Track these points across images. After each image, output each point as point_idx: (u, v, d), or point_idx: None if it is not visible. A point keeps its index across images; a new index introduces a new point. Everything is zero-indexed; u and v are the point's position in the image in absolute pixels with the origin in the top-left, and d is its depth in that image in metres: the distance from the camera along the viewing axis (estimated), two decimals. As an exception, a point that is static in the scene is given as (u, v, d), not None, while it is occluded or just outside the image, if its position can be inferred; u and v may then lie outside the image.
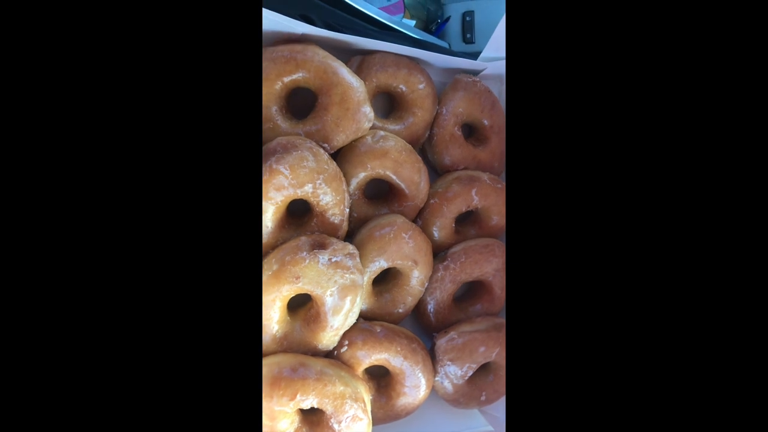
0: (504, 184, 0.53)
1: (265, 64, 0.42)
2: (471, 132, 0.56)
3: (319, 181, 0.41)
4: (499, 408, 0.52)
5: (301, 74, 0.43)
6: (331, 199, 0.43)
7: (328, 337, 0.44)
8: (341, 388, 0.41)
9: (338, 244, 0.42)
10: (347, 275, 0.42)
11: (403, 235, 0.46)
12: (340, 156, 0.47)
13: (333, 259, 0.41)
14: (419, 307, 0.51)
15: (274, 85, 0.42)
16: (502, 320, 0.51)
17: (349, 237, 0.48)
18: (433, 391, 0.50)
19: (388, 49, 0.49)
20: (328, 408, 0.41)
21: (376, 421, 0.47)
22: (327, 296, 0.42)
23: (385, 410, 0.47)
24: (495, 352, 0.48)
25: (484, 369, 0.51)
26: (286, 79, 0.42)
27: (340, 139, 0.44)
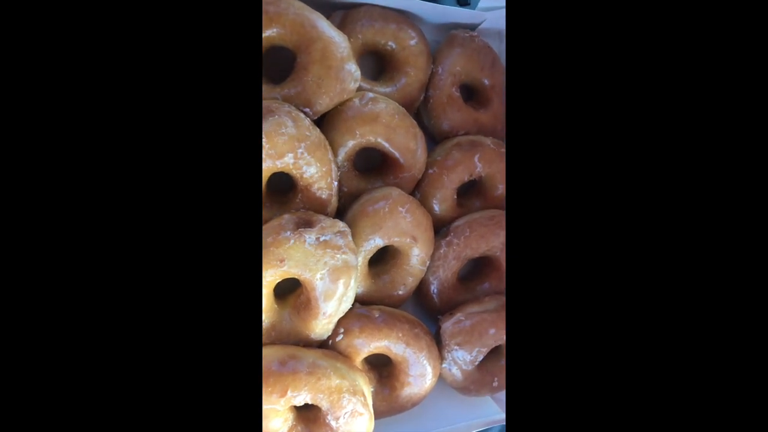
0: (509, 149, 0.48)
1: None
2: (470, 94, 0.51)
3: (300, 150, 0.36)
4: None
5: (275, 30, 0.37)
6: (316, 171, 0.38)
7: (321, 326, 0.39)
8: (337, 381, 0.37)
9: (327, 222, 0.37)
10: (338, 255, 0.37)
11: (400, 209, 0.41)
12: (324, 123, 0.42)
13: (321, 238, 0.37)
14: (421, 289, 0.47)
15: (245, 44, 0.37)
16: (513, 299, 0.47)
17: (340, 215, 0.43)
18: (441, 380, 0.46)
19: (374, 1, 0.43)
20: (323, 404, 0.37)
21: (379, 414, 0.43)
22: (317, 280, 0.37)
23: (388, 402, 0.43)
24: (506, 333, 0.44)
25: (495, 352, 0.46)
26: (259, 37, 0.37)
27: (324, 103, 0.39)
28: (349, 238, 0.38)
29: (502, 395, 0.48)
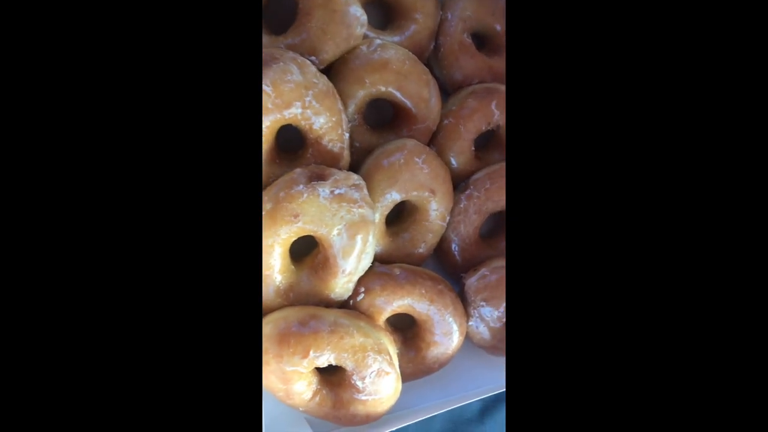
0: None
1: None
2: (482, 42, 0.48)
3: (308, 98, 0.34)
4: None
5: (273, -25, 0.35)
6: (326, 121, 0.36)
7: (341, 284, 0.38)
8: (361, 339, 0.35)
9: (340, 174, 0.36)
10: (355, 210, 0.35)
11: (416, 159, 0.39)
12: (332, 74, 0.40)
13: (336, 192, 0.35)
14: (442, 246, 0.45)
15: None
16: (539, 252, 0.44)
17: (353, 170, 0.41)
18: (468, 342, 0.44)
19: (376, -55, 0.41)
20: (348, 363, 0.35)
21: (405, 377, 0.41)
22: (334, 236, 0.35)
23: (414, 364, 0.41)
24: (534, 287, 0.42)
25: (522, 309, 0.44)
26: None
27: (330, 50, 0.37)
28: (365, 191, 0.36)
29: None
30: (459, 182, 0.45)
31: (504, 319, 0.42)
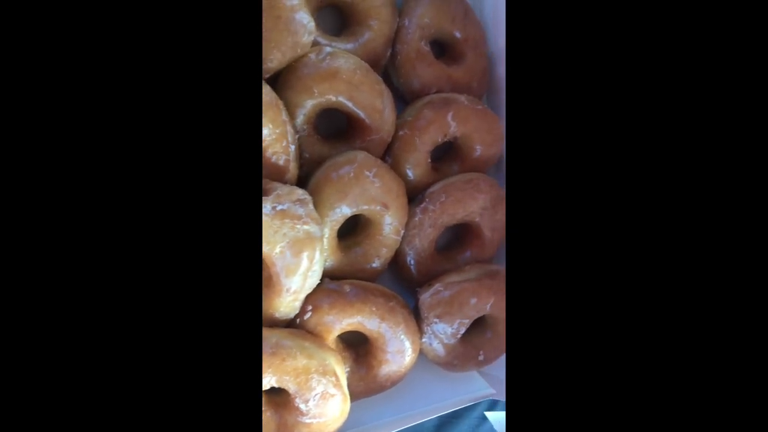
0: (485, 106, 0.45)
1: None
2: (442, 50, 0.47)
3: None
4: (501, 368, 0.45)
5: (215, -22, 0.33)
6: (269, 133, 0.34)
7: (286, 303, 0.36)
8: (304, 361, 0.34)
9: (283, 189, 0.34)
10: (299, 226, 0.34)
11: (366, 173, 0.38)
12: (279, 83, 0.38)
13: (278, 208, 0.33)
14: (397, 260, 0.44)
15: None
16: (497, 267, 0.44)
17: (301, 184, 0.40)
18: (423, 356, 0.43)
19: (328, -52, 0.40)
20: (290, 386, 0.34)
21: (357, 395, 0.40)
22: (276, 254, 0.34)
23: (366, 382, 0.40)
24: (489, 303, 0.41)
25: (479, 324, 0.44)
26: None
27: (275, 59, 0.35)
28: (311, 206, 0.35)
29: (488, 369, 0.46)
30: (416, 194, 0.44)
31: (458, 335, 0.41)
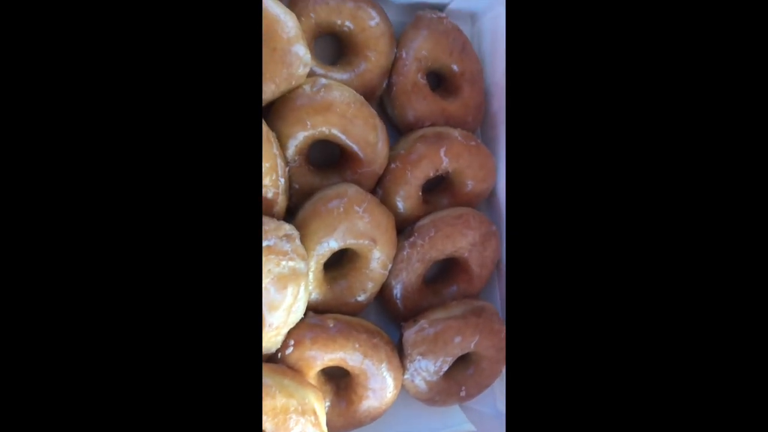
0: (479, 141, 0.44)
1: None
2: (438, 82, 0.47)
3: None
4: (482, 402, 0.45)
5: (211, 6, 0.33)
6: (259, 167, 0.34)
7: (268, 338, 0.35)
8: (283, 400, 0.33)
9: (271, 224, 0.34)
10: (284, 262, 0.33)
11: (356, 208, 0.37)
12: (272, 113, 0.37)
13: (264, 243, 0.33)
14: (384, 293, 0.43)
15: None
16: (482, 303, 0.43)
17: (291, 215, 0.39)
18: (404, 390, 0.42)
19: (329, -23, 0.39)
20: (267, 426, 0.33)
21: (335, 429, 0.40)
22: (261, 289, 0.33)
23: (345, 417, 0.40)
24: (473, 341, 0.41)
25: (462, 360, 0.43)
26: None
27: (269, 90, 0.35)
28: (297, 242, 0.34)
29: (470, 404, 0.46)
30: (405, 226, 0.43)
31: (441, 372, 0.41)
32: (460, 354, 0.41)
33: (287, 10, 0.34)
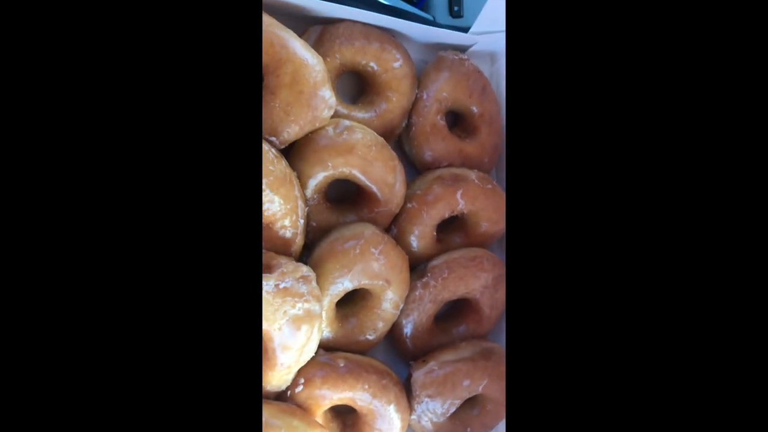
0: (495, 184, 0.45)
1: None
2: (456, 121, 0.47)
3: (262, 186, 0.32)
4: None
5: (240, 48, 0.33)
6: (279, 209, 0.34)
7: (279, 377, 0.35)
8: (292, 442, 0.33)
9: (288, 266, 0.34)
10: (300, 304, 0.33)
11: (372, 250, 0.37)
12: (293, 152, 0.38)
13: (281, 285, 0.33)
14: (394, 331, 0.43)
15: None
16: (492, 345, 0.43)
17: (307, 250, 0.39)
18: (410, 429, 0.42)
19: (355, 18, 0.39)
20: (275, 468, 0.33)
21: (340, 468, 0.40)
22: (275, 330, 0.33)
23: (350, 456, 0.40)
24: (482, 384, 0.41)
25: (469, 401, 0.43)
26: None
27: (292, 131, 0.35)
28: (314, 284, 0.34)
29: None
30: (418, 264, 0.44)
31: (448, 414, 0.41)
32: (467, 396, 0.41)
33: (314, 53, 0.35)
